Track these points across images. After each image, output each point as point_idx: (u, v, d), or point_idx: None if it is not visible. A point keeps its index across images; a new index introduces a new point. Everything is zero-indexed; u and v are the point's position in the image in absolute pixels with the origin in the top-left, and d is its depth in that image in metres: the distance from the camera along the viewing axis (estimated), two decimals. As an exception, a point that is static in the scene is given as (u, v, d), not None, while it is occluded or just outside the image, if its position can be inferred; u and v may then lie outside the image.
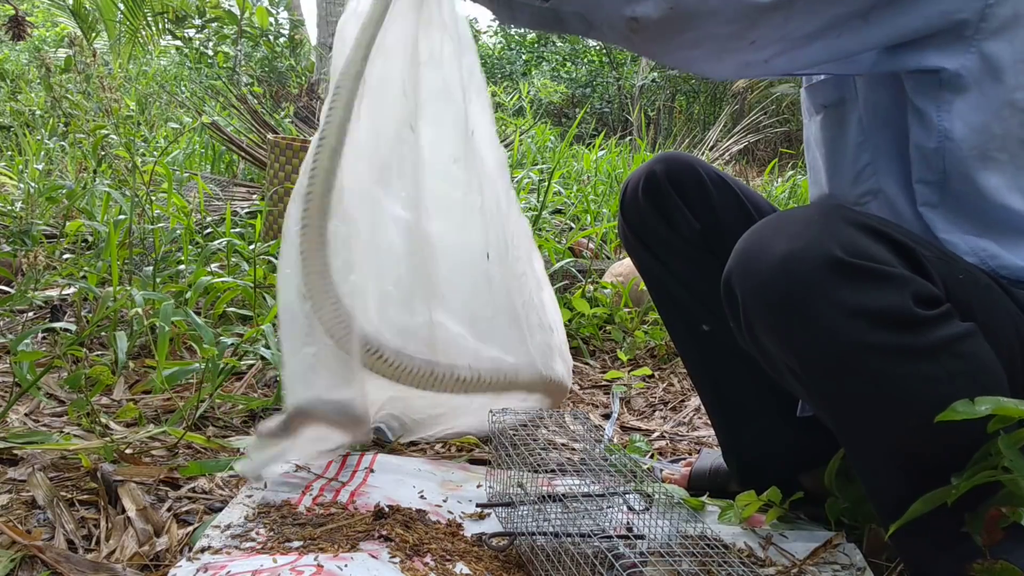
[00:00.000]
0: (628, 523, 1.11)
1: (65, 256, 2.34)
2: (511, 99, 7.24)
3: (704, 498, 1.25)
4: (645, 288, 1.38)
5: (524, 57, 12.63)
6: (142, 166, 2.38)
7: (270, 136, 2.95)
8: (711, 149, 5.74)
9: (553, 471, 1.21)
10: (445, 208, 1.34)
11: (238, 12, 7.06)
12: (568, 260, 2.53)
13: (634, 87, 10.49)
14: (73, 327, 1.78)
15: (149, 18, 6.48)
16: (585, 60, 12.12)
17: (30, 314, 1.98)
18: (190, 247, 2.33)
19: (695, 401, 1.82)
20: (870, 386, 0.84)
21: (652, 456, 1.52)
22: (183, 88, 7.07)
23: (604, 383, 1.97)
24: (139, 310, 1.68)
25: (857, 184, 1.06)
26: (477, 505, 1.17)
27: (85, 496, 1.10)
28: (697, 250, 1.24)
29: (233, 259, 2.31)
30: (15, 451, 1.20)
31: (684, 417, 1.76)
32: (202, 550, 0.96)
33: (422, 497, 1.19)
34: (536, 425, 1.25)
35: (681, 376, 2.01)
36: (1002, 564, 0.82)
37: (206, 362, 1.44)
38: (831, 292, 0.82)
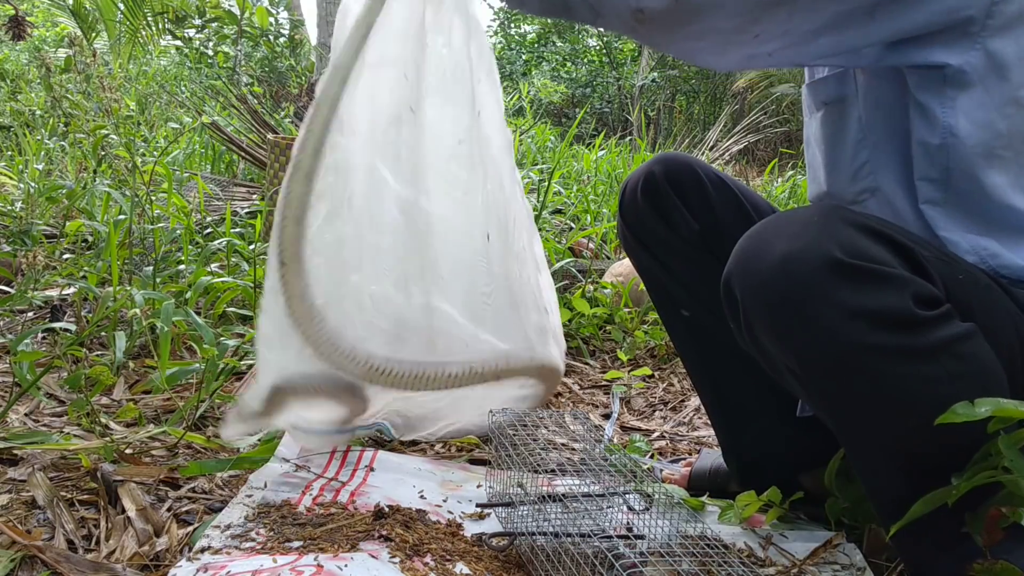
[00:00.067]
0: (628, 523, 1.11)
1: (65, 256, 2.34)
2: (511, 99, 7.23)
3: (704, 498, 1.25)
4: (645, 288, 1.38)
5: (524, 57, 12.63)
6: (142, 166, 2.38)
7: (270, 136, 2.96)
8: (711, 149, 5.74)
9: (553, 471, 1.21)
10: (447, 189, 1.33)
11: (238, 12, 7.06)
12: (568, 260, 2.53)
13: (634, 87, 10.49)
14: (73, 327, 1.78)
15: (149, 18, 6.48)
16: (585, 60, 12.13)
17: (30, 314, 1.98)
18: (190, 247, 2.33)
19: (695, 401, 1.81)
20: (870, 386, 0.84)
21: (652, 456, 1.52)
22: (183, 88, 7.07)
23: (604, 383, 1.97)
24: (139, 310, 1.68)
25: (855, 181, 1.06)
26: (477, 505, 1.17)
27: (85, 496, 1.10)
28: (696, 251, 1.24)
29: (233, 259, 2.31)
30: (15, 451, 1.20)
31: (684, 417, 1.76)
32: (202, 550, 0.96)
33: (422, 497, 1.19)
34: (536, 425, 1.25)
35: (681, 376, 2.01)
36: (1002, 564, 0.82)
37: (206, 362, 1.44)
38: (831, 293, 0.82)
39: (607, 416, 1.74)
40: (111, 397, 1.52)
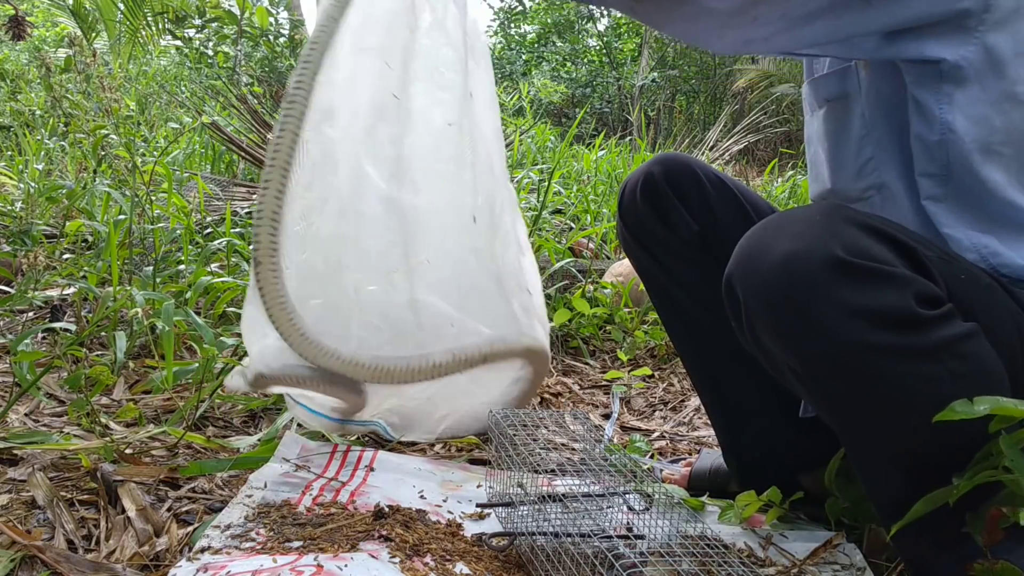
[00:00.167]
0: (628, 523, 1.11)
1: (65, 256, 2.34)
2: (511, 99, 7.23)
3: (704, 498, 1.25)
4: (644, 289, 1.38)
5: (524, 57, 12.64)
6: (142, 166, 2.38)
7: (270, 136, 2.95)
8: (711, 149, 5.74)
9: (553, 471, 1.21)
10: (434, 172, 1.31)
11: (238, 12, 7.06)
12: (568, 260, 2.53)
13: (634, 87, 10.49)
14: (73, 327, 1.78)
15: (149, 18, 6.48)
16: (585, 60, 12.14)
17: (30, 314, 1.98)
18: (190, 247, 2.33)
19: (695, 401, 1.82)
20: (871, 386, 0.84)
21: (652, 456, 1.52)
22: (183, 88, 7.08)
23: (604, 383, 1.97)
24: (139, 310, 1.68)
25: (860, 178, 1.06)
26: (477, 505, 1.17)
27: (85, 496, 1.10)
28: (696, 251, 1.24)
29: (233, 259, 2.31)
30: (15, 451, 1.20)
31: (684, 417, 1.76)
32: (202, 550, 0.96)
33: (422, 497, 1.19)
34: (536, 425, 1.25)
35: (681, 376, 2.01)
36: (1003, 564, 0.82)
37: (204, 362, 1.44)
38: (833, 292, 0.82)
39: (607, 416, 1.74)
40: (111, 397, 1.52)
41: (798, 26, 0.94)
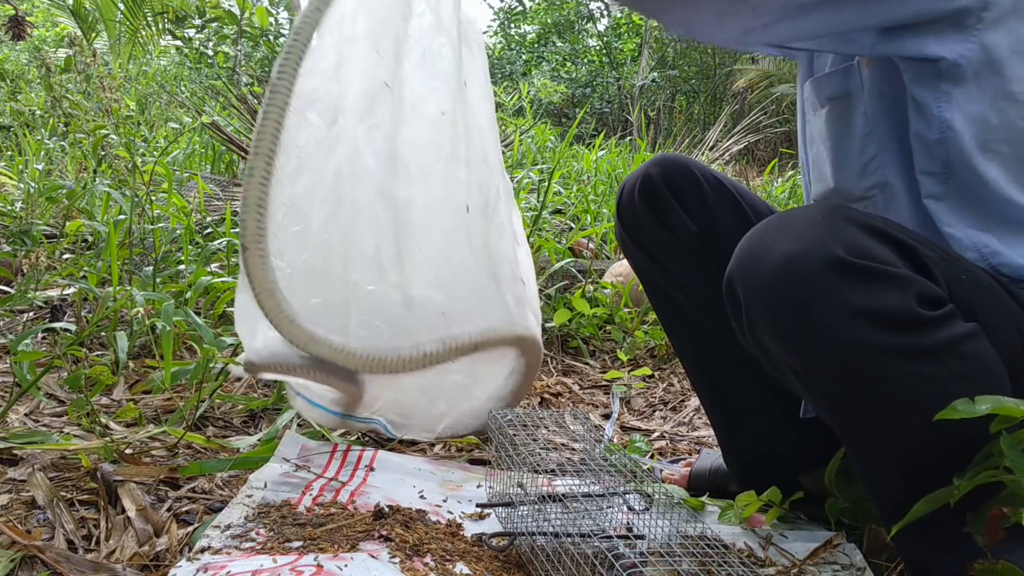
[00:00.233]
0: (628, 523, 1.11)
1: (65, 256, 2.34)
2: (511, 99, 7.23)
3: (704, 498, 1.25)
4: (643, 290, 1.37)
5: (524, 57, 12.64)
6: (142, 166, 2.38)
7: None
8: (711, 149, 5.74)
9: (553, 471, 1.21)
10: (427, 161, 1.30)
11: (238, 12, 7.06)
12: (568, 260, 2.53)
13: (634, 87, 10.49)
14: (73, 327, 1.78)
15: (149, 18, 6.48)
16: (585, 60, 12.14)
17: (30, 314, 1.98)
18: (190, 247, 2.33)
19: (695, 401, 1.82)
20: (873, 386, 0.84)
21: (652, 456, 1.52)
22: (183, 88, 7.08)
23: (604, 383, 1.97)
24: (139, 310, 1.68)
25: (864, 177, 1.06)
26: (477, 505, 1.17)
27: (85, 496, 1.10)
28: (694, 253, 1.24)
29: (233, 259, 2.31)
30: (15, 451, 1.20)
31: (684, 417, 1.76)
32: (202, 550, 0.96)
33: (422, 497, 1.19)
34: (536, 425, 1.25)
35: (681, 376, 2.01)
36: (1003, 564, 0.82)
37: (204, 362, 1.44)
38: (834, 292, 0.82)
39: (607, 416, 1.74)
40: (111, 397, 1.52)
41: (797, 16, 0.94)
